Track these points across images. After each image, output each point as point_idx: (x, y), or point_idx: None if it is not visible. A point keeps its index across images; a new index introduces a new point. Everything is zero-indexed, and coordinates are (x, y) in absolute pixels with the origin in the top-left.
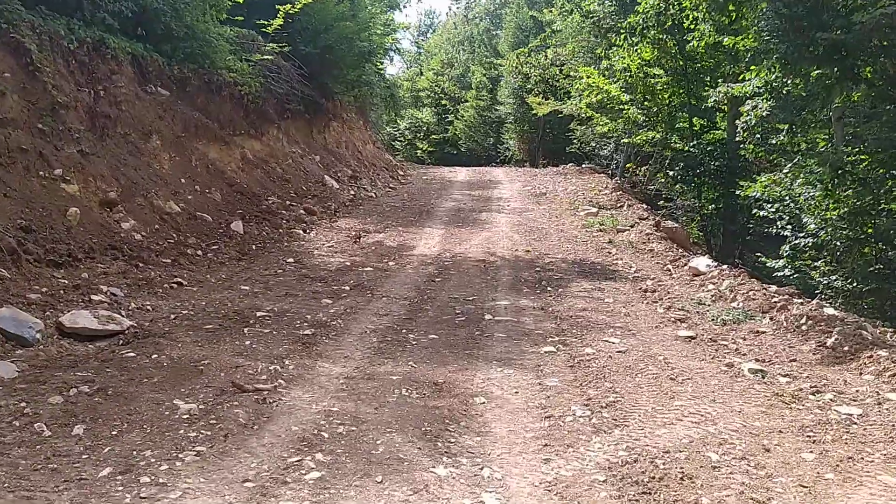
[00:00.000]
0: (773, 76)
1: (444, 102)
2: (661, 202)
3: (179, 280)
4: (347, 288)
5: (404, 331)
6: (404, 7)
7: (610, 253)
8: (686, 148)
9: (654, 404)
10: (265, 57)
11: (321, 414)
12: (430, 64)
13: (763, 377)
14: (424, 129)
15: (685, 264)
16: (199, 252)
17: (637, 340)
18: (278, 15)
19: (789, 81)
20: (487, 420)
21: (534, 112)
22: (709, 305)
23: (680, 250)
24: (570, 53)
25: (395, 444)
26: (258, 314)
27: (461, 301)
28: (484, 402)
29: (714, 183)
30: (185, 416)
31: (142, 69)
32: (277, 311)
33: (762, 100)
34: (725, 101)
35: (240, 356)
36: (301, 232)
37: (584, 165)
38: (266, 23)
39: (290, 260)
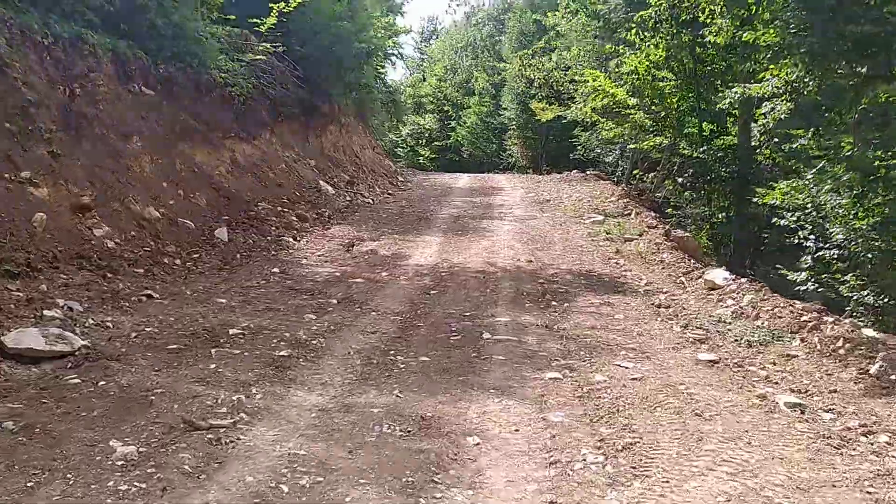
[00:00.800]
0: (796, 74)
1: (446, 109)
2: (669, 210)
3: (150, 292)
4: (335, 301)
5: (392, 352)
6: (404, 12)
7: (618, 264)
8: (695, 154)
9: (679, 447)
10: (258, 57)
11: (284, 459)
12: (433, 70)
13: (803, 412)
14: (427, 135)
15: (699, 277)
16: (178, 261)
17: (653, 365)
18: (271, 13)
19: (812, 80)
20: (482, 467)
21: (537, 118)
22: (730, 324)
23: (692, 261)
24: (575, 57)
25: (368, 501)
26: (231, 332)
27: (457, 317)
28: (478, 444)
29: (725, 190)
30: (119, 463)
31: (124, 67)
32: (254, 327)
33: (781, 101)
34: (737, 105)
35: (201, 383)
36: (291, 240)
37: (588, 172)
38: (259, 21)
39: (276, 270)
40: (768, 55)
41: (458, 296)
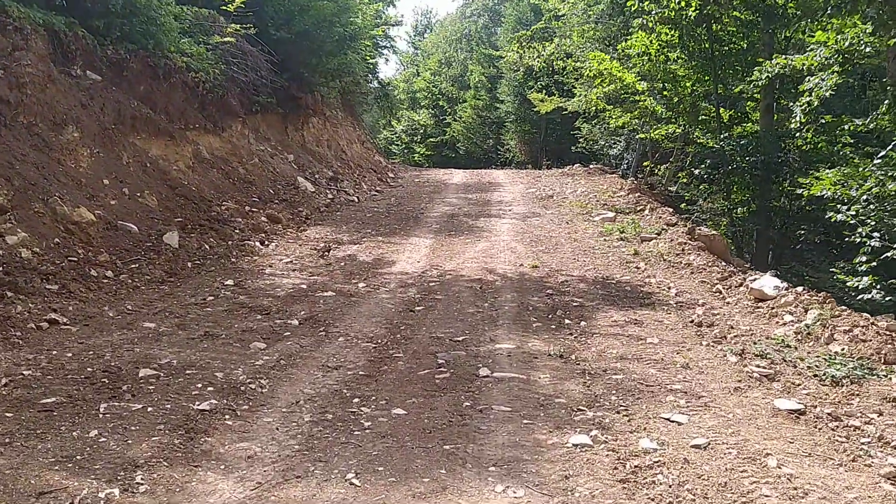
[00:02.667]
0: (848, 41)
1: (441, 103)
2: (683, 205)
3: (56, 316)
4: (295, 323)
5: (357, 399)
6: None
7: (638, 268)
8: (712, 143)
9: None
10: (226, 39)
11: None
12: (427, 64)
13: None
14: (422, 131)
15: (741, 284)
16: (110, 273)
17: (716, 418)
18: None
19: (879, 42)
20: None
21: (536, 110)
22: (796, 349)
23: (723, 264)
24: (577, 43)
25: None
26: (142, 373)
27: (447, 343)
28: None
29: (746, 182)
30: None
31: (62, 47)
32: (177, 364)
33: (829, 74)
34: (770, 82)
35: (63, 466)
36: (258, 244)
37: (591, 166)
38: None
39: (230, 282)
40: (829, 8)
41: (449, 313)
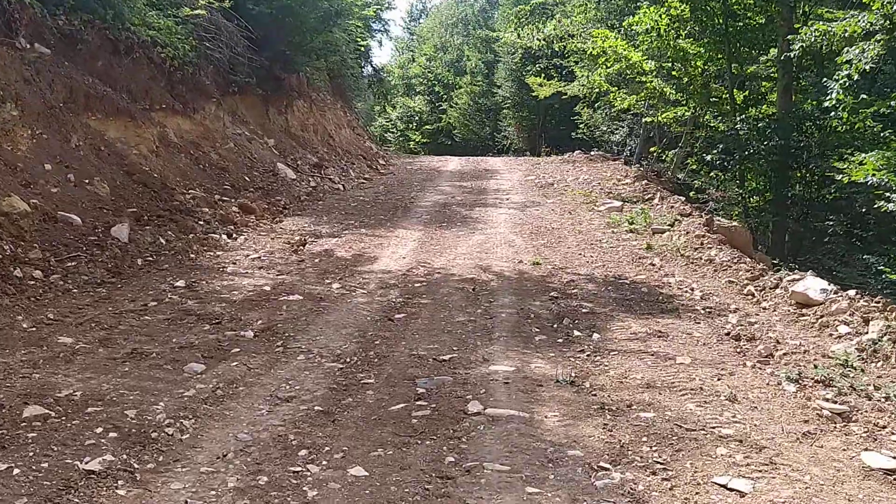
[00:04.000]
0: None
1: (437, 89)
2: (693, 193)
3: None
4: (248, 335)
5: (305, 451)
6: None
7: (653, 265)
8: (725, 127)
9: None
10: (197, 12)
11: None
12: (422, 49)
13: None
14: (417, 118)
15: (776, 286)
16: (38, 273)
17: (790, 485)
18: None
19: None
20: None
21: (534, 95)
22: (864, 371)
23: (750, 261)
24: (579, 22)
25: None
26: (28, 411)
27: (430, 364)
28: None
29: (762, 169)
30: None
31: (5, 16)
32: (79, 398)
33: (872, 44)
34: (796, 54)
35: None
36: (224, 237)
37: (593, 152)
38: None
39: (181, 283)
40: None
41: (434, 322)
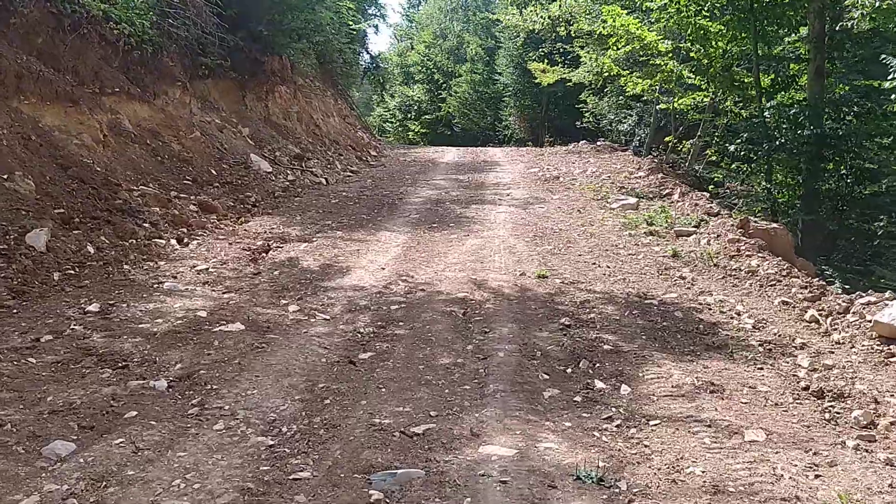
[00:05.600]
0: None
1: (436, 77)
2: (711, 187)
3: None
4: (160, 387)
5: None
6: None
7: (683, 278)
8: (750, 114)
9: None
10: None
11: None
12: (421, 36)
13: None
14: (416, 108)
15: (847, 310)
16: None
17: None
18: None
19: None
20: None
21: (537, 82)
22: None
23: (802, 273)
24: (585, 2)
25: None
26: None
27: (394, 442)
28: None
29: (794, 161)
30: None
31: None
32: None
33: None
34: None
35: None
36: (173, 243)
37: (599, 142)
38: None
39: (94, 307)
40: None
41: (410, 366)
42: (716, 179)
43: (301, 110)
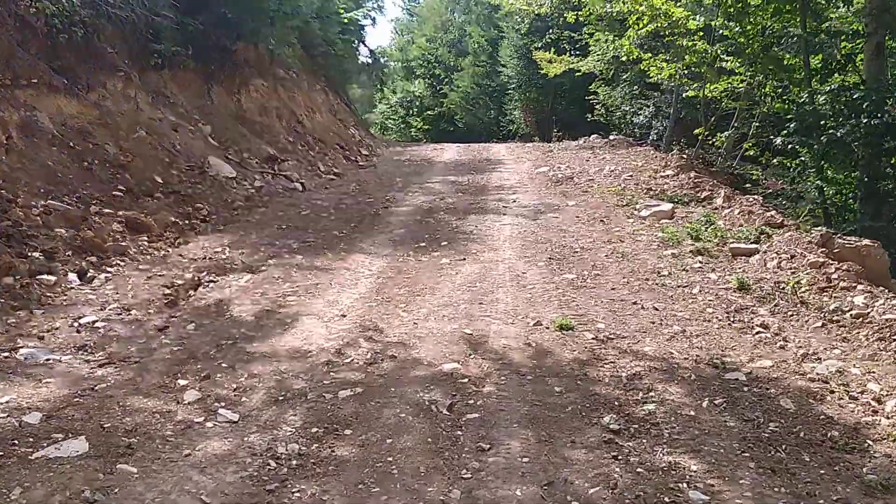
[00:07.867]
0: None
1: (437, 72)
2: (748, 185)
3: None
4: None
5: None
6: None
7: (766, 328)
8: (800, 99)
9: None
10: None
11: None
12: (422, 30)
13: None
14: (417, 103)
15: None
16: None
17: None
18: None
19: None
20: None
21: (543, 73)
22: None
23: None
24: None
25: None
26: None
27: None
28: None
29: (854, 157)
30: None
31: None
32: None
33: None
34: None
35: None
36: (72, 277)
37: (612, 137)
38: None
39: None
40: None
41: None
42: (754, 178)
43: (281, 105)
